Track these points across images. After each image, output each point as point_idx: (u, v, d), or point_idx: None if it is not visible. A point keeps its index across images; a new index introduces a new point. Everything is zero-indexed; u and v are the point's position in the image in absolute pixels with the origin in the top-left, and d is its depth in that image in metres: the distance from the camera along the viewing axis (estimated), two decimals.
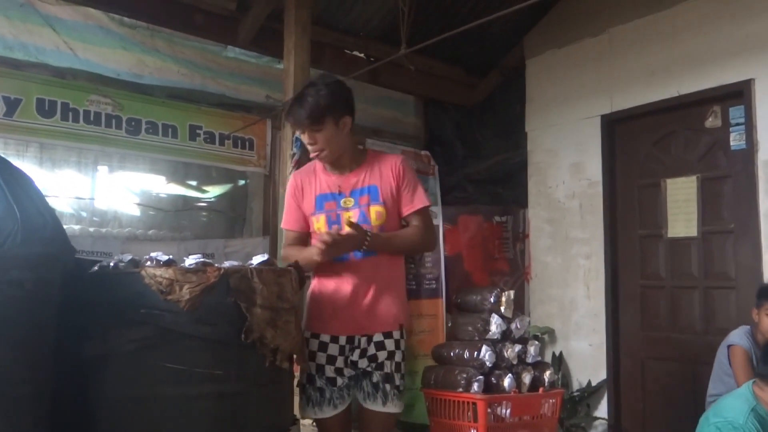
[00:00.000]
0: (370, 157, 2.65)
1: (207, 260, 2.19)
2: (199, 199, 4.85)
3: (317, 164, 2.65)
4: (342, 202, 2.58)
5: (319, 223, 2.58)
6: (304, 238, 2.67)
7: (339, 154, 2.58)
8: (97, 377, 2.03)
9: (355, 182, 2.59)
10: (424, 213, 2.61)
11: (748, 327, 3.56)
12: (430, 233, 2.69)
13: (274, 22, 4.40)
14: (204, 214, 4.85)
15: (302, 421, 2.62)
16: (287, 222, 2.69)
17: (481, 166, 5.77)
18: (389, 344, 2.55)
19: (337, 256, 2.47)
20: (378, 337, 2.54)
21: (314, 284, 2.64)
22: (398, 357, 2.57)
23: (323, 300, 2.58)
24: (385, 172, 2.57)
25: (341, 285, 2.54)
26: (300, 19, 4.03)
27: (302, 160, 3.88)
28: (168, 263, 2.15)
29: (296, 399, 2.55)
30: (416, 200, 2.57)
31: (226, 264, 2.20)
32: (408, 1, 3.79)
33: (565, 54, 5.20)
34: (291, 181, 2.72)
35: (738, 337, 3.55)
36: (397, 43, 3.60)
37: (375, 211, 2.54)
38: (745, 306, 3.96)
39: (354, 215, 2.53)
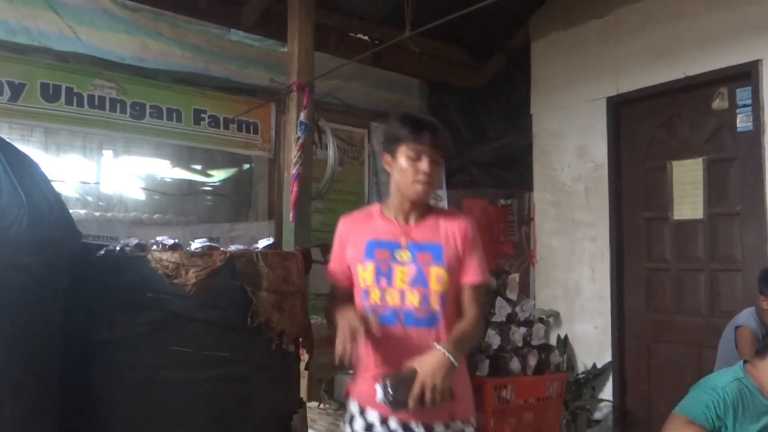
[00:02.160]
0: (436, 212, 2.27)
1: (213, 244, 2.20)
2: (204, 183, 4.85)
3: (375, 208, 2.31)
4: (397, 254, 2.19)
5: (366, 272, 2.18)
6: (348, 288, 2.29)
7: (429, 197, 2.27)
8: (104, 361, 2.04)
9: (417, 236, 2.21)
10: (480, 291, 2.22)
11: (754, 308, 3.56)
12: (483, 317, 2.29)
13: (277, 5, 4.37)
14: (209, 198, 4.86)
15: (309, 404, 2.63)
16: (330, 268, 2.32)
17: (485, 149, 5.76)
18: None
19: (444, 391, 1.96)
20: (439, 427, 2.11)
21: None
22: None
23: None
24: (452, 232, 2.19)
25: None
26: (304, 1, 4.00)
27: (307, 144, 3.88)
28: (174, 247, 2.15)
29: (302, 382, 2.55)
30: (479, 272, 2.19)
31: (232, 248, 2.21)
32: None
33: (570, 35, 5.16)
34: (340, 223, 2.34)
35: (745, 318, 3.56)
36: (401, 25, 3.57)
37: (436, 273, 2.15)
38: (751, 288, 3.95)
39: (409, 272, 2.15)
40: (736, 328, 3.57)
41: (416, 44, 4.23)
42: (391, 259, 2.17)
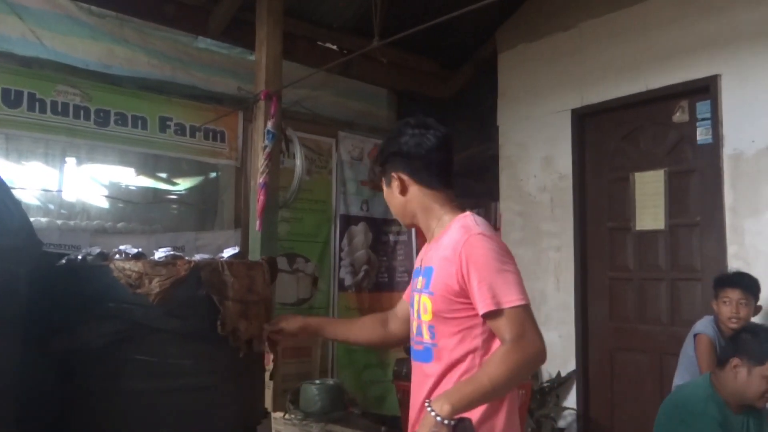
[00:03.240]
0: (450, 227, 1.93)
1: (177, 253, 2.18)
2: (169, 192, 4.80)
3: None
4: (417, 281, 1.98)
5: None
6: (405, 308, 2.15)
7: (402, 217, 2.07)
8: (65, 372, 2.01)
9: (425, 259, 1.99)
10: (500, 321, 1.75)
11: (713, 317, 3.64)
12: (524, 342, 1.73)
13: (245, 12, 4.36)
14: (174, 206, 4.81)
15: (274, 415, 2.62)
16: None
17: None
18: None
19: None
20: None
21: None
22: None
23: None
24: (447, 251, 1.85)
25: None
26: (272, 10, 4.00)
27: (274, 153, 3.87)
28: (137, 256, 2.13)
29: (267, 392, 2.54)
30: (485, 298, 1.75)
31: (197, 257, 2.19)
32: None
33: (536, 48, 5.24)
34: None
35: (703, 326, 3.63)
36: (370, 35, 3.59)
37: (423, 302, 1.90)
38: (710, 297, 4.04)
39: (415, 301, 1.97)
40: (695, 335, 3.64)
41: (385, 54, 4.26)
42: (413, 288, 2.01)
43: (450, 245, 1.84)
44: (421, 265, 1.99)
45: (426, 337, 1.90)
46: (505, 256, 1.83)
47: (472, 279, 1.77)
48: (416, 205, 2.00)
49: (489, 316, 1.75)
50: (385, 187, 2.06)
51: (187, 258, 2.14)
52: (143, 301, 1.96)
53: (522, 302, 1.75)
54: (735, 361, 2.73)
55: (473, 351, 1.82)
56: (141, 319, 1.97)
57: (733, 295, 3.48)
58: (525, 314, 1.75)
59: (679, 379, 3.67)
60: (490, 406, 1.78)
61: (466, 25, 5.22)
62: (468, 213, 1.96)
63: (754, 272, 3.70)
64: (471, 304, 1.79)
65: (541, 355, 1.74)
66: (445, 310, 1.84)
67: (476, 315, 1.79)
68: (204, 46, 4.76)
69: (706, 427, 2.64)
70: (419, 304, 1.92)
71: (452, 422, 1.62)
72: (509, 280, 1.78)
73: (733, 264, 3.98)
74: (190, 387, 2.05)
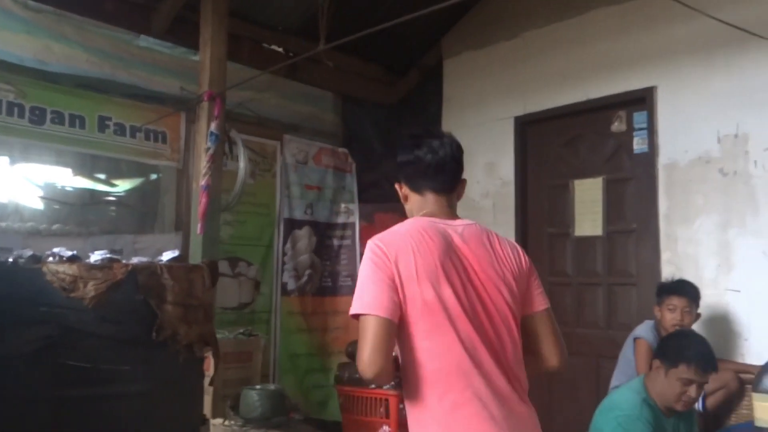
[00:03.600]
0: None
1: (114, 256, 2.13)
2: (107, 193, 4.67)
3: None
4: None
5: None
6: None
7: None
8: None
9: None
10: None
11: (653, 322, 3.74)
12: (357, 357, 1.74)
13: (189, 12, 4.29)
14: (113, 208, 4.68)
15: (212, 421, 2.58)
16: None
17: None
18: None
19: None
20: None
21: None
22: None
23: None
24: None
25: None
26: (217, 10, 3.95)
27: (217, 155, 3.82)
28: (72, 259, 2.07)
29: (206, 398, 2.51)
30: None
31: (135, 260, 2.14)
32: None
33: (481, 56, 5.32)
34: None
35: (643, 330, 3.72)
36: (316, 38, 3.59)
37: None
38: (645, 302, 4.17)
39: None
40: (635, 339, 3.73)
41: (331, 58, 4.25)
42: None
43: None
44: None
45: None
46: (367, 260, 1.78)
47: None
48: (415, 212, 2.04)
49: None
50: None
51: (124, 261, 2.09)
52: (77, 305, 1.91)
53: (355, 311, 1.74)
54: (656, 362, 2.81)
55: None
56: (74, 324, 1.93)
57: (679, 303, 3.58)
58: (360, 326, 1.73)
59: (616, 381, 3.75)
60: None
61: (412, 31, 5.26)
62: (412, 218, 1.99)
63: (685, 278, 3.83)
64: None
65: (362, 373, 1.70)
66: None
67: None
68: (146, 45, 4.65)
69: (640, 431, 2.71)
70: None
71: None
72: (357, 289, 1.77)
73: (666, 269, 4.11)
74: (126, 394, 2.00)
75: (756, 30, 3.49)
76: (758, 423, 2.65)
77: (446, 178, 2.05)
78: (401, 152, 2.06)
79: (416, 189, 2.04)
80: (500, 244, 1.97)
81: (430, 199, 2.03)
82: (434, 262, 1.77)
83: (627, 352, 3.78)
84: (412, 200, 2.06)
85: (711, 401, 3.64)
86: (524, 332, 1.95)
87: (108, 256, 2.09)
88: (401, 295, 1.72)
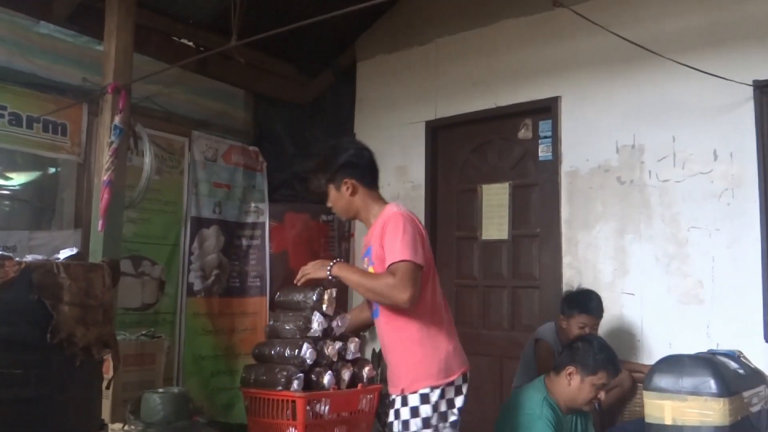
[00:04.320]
0: (381, 212, 2.67)
1: (6, 253, 2.01)
2: (1, 187, 4.41)
3: None
4: (365, 259, 2.71)
5: None
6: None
7: (346, 213, 2.77)
8: None
9: (367, 240, 2.70)
10: (396, 267, 2.44)
11: (553, 323, 3.87)
12: (397, 288, 2.43)
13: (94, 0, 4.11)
14: (6, 203, 4.43)
15: (111, 426, 2.48)
16: None
17: (309, 165, 5.78)
18: (392, 411, 2.64)
19: (312, 277, 2.73)
20: (393, 398, 2.65)
21: None
22: (395, 428, 2.58)
23: None
24: (377, 230, 2.57)
25: None
26: None
27: (121, 149, 3.68)
28: None
29: (105, 402, 2.41)
30: (390, 255, 2.46)
31: (29, 258, 2.03)
32: None
33: (394, 59, 5.37)
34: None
35: (545, 332, 3.85)
36: (228, 34, 3.51)
37: (371, 271, 2.61)
38: (547, 304, 4.33)
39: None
40: (536, 340, 3.86)
41: (243, 55, 4.18)
42: (366, 264, 2.69)
43: (379, 224, 2.56)
44: (365, 246, 2.71)
45: None
46: (408, 226, 2.51)
47: (388, 241, 2.46)
48: (360, 203, 2.69)
49: (392, 266, 2.43)
50: (333, 191, 2.70)
51: (17, 259, 1.98)
52: None
53: (406, 258, 2.40)
54: (570, 368, 2.94)
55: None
56: None
57: (589, 321, 3.70)
58: (405, 268, 2.40)
59: (518, 381, 3.87)
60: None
61: (326, 31, 5.25)
62: (392, 203, 2.72)
63: (584, 281, 4.00)
64: None
65: (399, 300, 2.43)
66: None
67: None
68: (47, 32, 4.42)
69: (542, 429, 2.82)
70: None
71: (331, 277, 2.63)
72: (405, 243, 2.44)
73: (567, 273, 4.28)
74: (18, 399, 1.90)
75: (653, 47, 3.70)
76: (648, 419, 2.81)
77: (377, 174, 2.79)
78: (348, 153, 2.69)
79: (367, 184, 2.71)
80: None
81: (375, 193, 2.75)
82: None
83: (528, 352, 3.90)
84: (361, 194, 2.69)
85: (606, 399, 3.81)
86: None
87: (0, 253, 1.97)
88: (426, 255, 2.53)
